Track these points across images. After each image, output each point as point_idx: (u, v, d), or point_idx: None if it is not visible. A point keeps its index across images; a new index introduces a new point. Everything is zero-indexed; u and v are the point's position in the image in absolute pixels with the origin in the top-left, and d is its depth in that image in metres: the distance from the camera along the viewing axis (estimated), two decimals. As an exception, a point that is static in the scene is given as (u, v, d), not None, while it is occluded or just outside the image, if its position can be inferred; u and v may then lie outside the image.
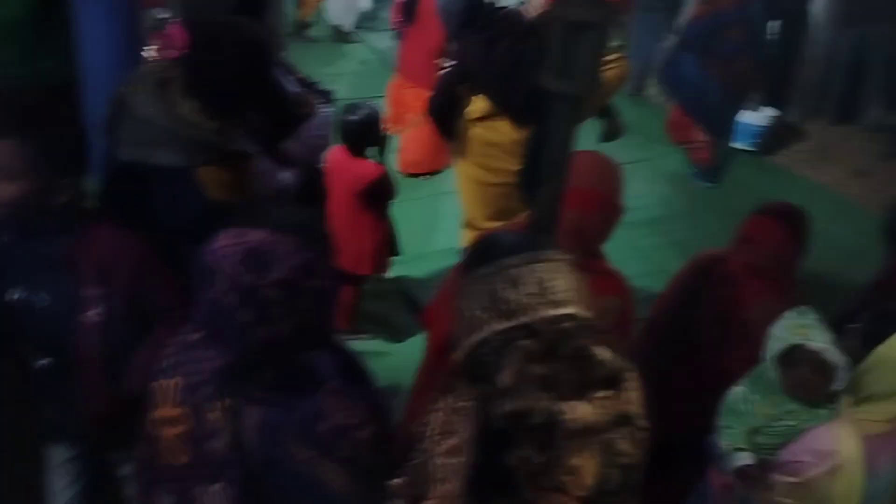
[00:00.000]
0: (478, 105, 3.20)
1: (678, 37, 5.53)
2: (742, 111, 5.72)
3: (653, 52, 6.49)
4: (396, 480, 1.40)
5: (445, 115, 3.27)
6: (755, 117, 6.00)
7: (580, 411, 1.30)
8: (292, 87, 2.38)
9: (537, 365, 1.31)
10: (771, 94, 6.13)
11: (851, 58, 5.95)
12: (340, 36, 7.53)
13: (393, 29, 5.33)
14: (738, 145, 5.93)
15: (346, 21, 7.49)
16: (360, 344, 3.27)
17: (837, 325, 2.14)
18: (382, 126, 3.51)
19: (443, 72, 3.38)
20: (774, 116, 6.11)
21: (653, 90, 6.75)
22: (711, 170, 5.58)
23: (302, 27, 7.40)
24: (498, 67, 3.04)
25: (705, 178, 5.60)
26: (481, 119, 3.20)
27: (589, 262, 1.87)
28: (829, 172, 5.76)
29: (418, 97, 4.05)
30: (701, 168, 5.61)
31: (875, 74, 5.99)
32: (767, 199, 2.78)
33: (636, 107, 6.63)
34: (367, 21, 7.84)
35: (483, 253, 1.45)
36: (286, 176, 2.32)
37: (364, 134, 3.39)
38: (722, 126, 5.54)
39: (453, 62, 3.36)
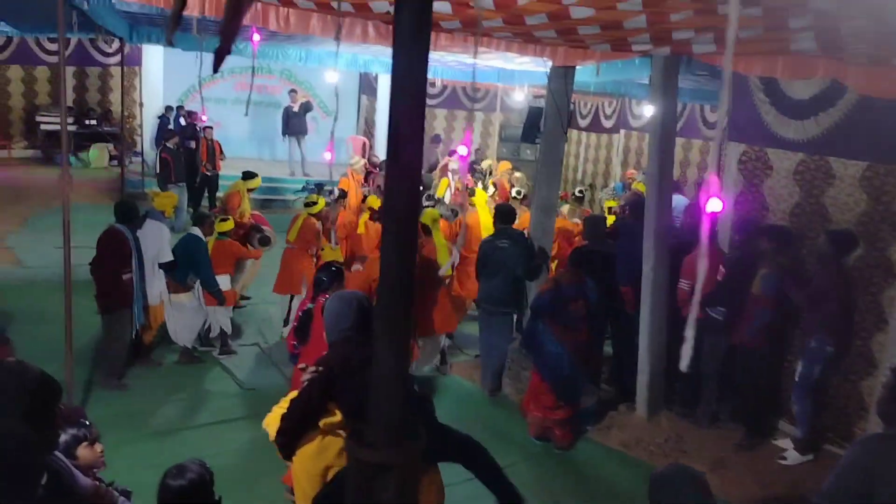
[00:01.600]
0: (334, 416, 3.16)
1: (532, 304, 6.21)
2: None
3: (502, 353, 6.70)
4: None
5: (303, 423, 3.20)
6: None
7: None
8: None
9: None
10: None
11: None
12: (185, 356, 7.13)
13: (291, 353, 5.28)
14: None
15: (189, 340, 7.15)
16: None
17: None
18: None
19: (309, 377, 3.23)
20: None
21: (508, 389, 6.78)
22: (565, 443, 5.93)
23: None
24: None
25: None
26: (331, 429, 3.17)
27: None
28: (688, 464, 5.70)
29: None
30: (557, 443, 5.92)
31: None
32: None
33: (494, 407, 6.61)
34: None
35: None
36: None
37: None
38: (572, 393, 5.91)
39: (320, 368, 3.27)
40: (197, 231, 7.10)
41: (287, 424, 3.22)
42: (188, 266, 6.94)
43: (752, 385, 6.04)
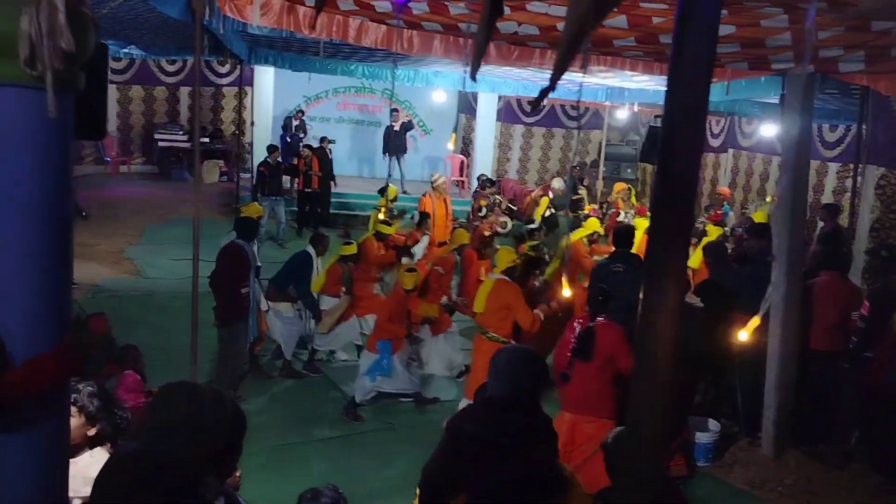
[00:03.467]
0: None
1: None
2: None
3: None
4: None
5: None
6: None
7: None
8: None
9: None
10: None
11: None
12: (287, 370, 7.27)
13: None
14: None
15: (289, 351, 7.26)
16: None
17: None
18: None
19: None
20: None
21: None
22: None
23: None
24: None
25: None
26: None
27: None
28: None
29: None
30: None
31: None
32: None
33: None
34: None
35: None
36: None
37: None
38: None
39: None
40: (310, 249, 7.28)
41: (423, 498, 2.77)
42: (291, 279, 7.17)
43: (892, 429, 5.60)
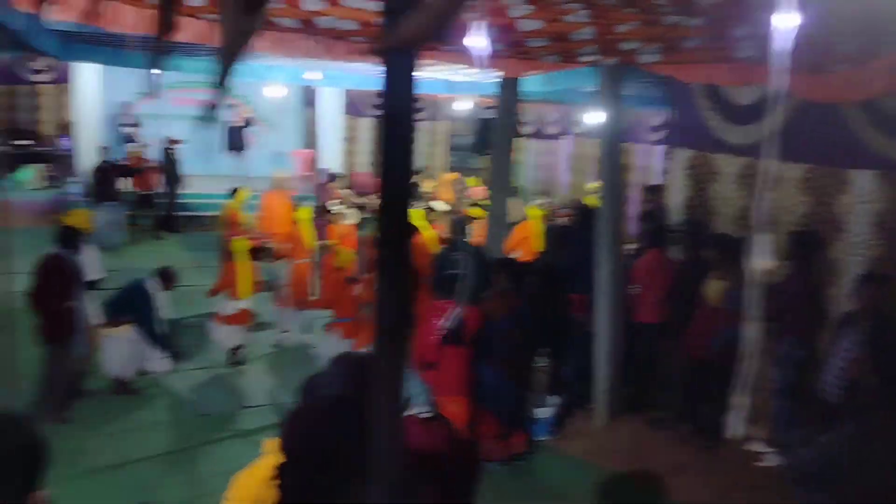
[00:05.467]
0: None
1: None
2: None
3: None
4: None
5: None
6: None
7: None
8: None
9: None
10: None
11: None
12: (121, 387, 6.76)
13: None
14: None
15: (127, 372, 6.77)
16: None
17: None
18: None
19: None
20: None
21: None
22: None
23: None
24: None
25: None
26: None
27: None
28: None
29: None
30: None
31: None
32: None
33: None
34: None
35: None
36: None
37: None
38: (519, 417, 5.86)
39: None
40: (150, 282, 6.81)
41: None
42: (127, 312, 6.67)
43: (712, 393, 6.08)
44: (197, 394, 6.90)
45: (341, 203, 10.14)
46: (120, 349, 6.69)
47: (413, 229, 6.77)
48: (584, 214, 6.81)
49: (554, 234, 7.19)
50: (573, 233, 7.04)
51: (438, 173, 14.08)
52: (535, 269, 6.43)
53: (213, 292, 7.63)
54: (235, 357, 7.55)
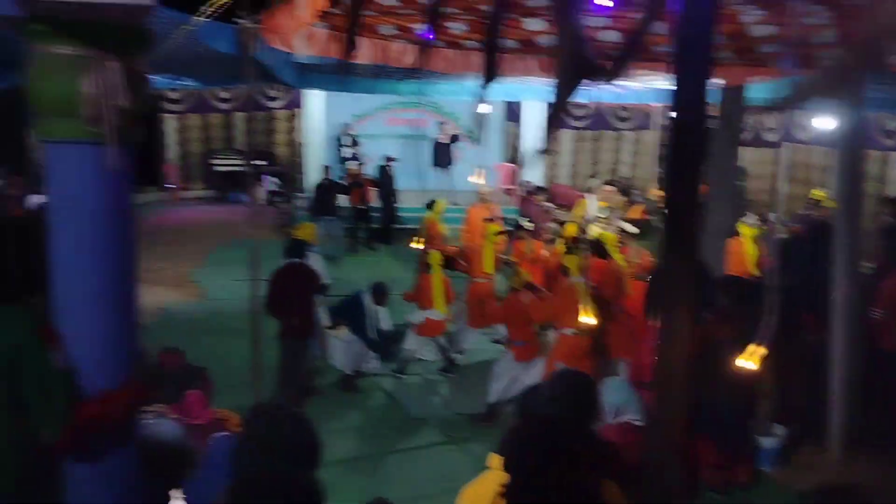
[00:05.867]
0: None
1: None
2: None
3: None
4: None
5: None
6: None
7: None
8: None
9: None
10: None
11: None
12: (347, 384, 7.36)
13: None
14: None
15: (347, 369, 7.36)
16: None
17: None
18: None
19: None
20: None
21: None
22: None
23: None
24: None
25: None
26: None
27: None
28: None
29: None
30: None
31: None
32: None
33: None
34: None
35: None
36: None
37: None
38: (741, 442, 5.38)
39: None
40: (366, 295, 7.39)
41: None
42: (346, 318, 7.31)
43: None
44: (410, 397, 7.30)
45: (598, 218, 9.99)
46: (341, 348, 7.33)
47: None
48: (817, 228, 6.28)
49: (784, 249, 6.70)
50: (805, 247, 6.53)
51: (647, 185, 13.67)
52: (770, 288, 5.99)
53: (408, 298, 7.98)
54: (446, 364, 7.85)
